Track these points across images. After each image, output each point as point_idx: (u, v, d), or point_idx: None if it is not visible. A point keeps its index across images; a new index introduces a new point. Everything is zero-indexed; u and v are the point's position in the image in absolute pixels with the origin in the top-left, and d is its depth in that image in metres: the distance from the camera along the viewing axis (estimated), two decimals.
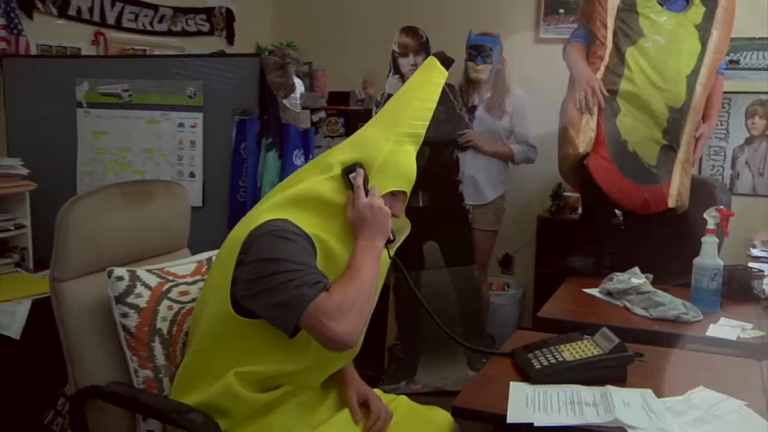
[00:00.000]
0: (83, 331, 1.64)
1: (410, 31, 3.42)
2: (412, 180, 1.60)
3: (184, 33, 4.21)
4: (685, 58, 2.87)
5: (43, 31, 3.35)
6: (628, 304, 2.24)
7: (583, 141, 2.90)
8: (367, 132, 1.59)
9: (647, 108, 2.86)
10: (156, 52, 3.92)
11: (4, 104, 3.14)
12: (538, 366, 1.68)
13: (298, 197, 1.49)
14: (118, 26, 3.76)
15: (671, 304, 2.15)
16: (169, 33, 4.10)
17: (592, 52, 2.99)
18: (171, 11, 4.08)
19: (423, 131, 1.60)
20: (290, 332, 1.40)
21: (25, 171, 2.88)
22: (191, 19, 4.26)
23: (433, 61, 1.65)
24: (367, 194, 1.50)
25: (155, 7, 3.97)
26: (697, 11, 2.91)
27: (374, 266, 1.48)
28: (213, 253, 1.82)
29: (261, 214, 1.48)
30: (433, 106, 1.63)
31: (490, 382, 1.69)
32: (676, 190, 2.89)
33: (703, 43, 2.88)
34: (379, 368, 3.41)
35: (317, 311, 1.36)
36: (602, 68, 2.95)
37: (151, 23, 3.97)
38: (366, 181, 1.51)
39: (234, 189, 2.71)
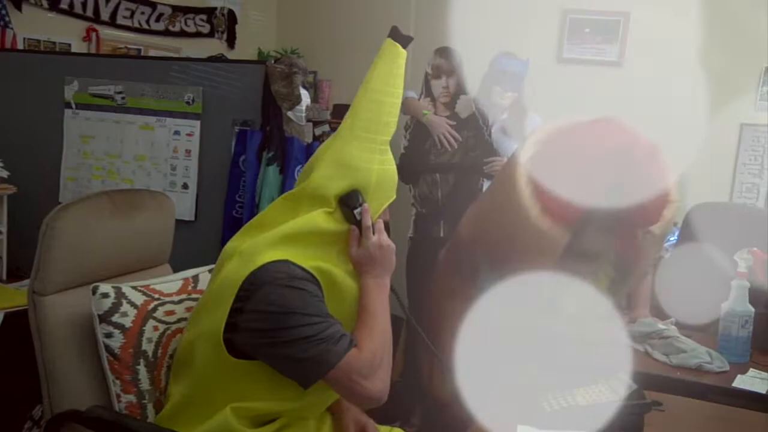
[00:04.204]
0: (63, 350, 1.62)
1: (443, 52, 3.43)
2: (396, 182, 1.61)
3: (182, 33, 4.27)
4: None
5: (32, 24, 3.41)
6: (649, 349, 2.25)
7: None
8: (350, 150, 1.54)
9: None
10: (151, 53, 3.98)
11: None
12: (549, 409, 1.70)
13: (295, 233, 1.49)
14: (112, 23, 3.83)
15: (693, 352, 2.15)
16: (167, 33, 4.16)
17: None
18: (170, 9, 4.15)
19: (395, 128, 1.59)
20: (308, 386, 1.43)
21: (5, 173, 2.92)
22: (191, 19, 4.32)
23: (393, 47, 1.58)
24: (373, 230, 1.52)
25: (153, 5, 4.04)
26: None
27: (388, 307, 1.52)
28: (200, 270, 1.84)
29: (255, 253, 1.46)
30: (401, 96, 1.62)
31: (497, 425, 1.70)
32: None
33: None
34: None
35: (350, 370, 1.39)
36: None
37: (147, 21, 4.03)
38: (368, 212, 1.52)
39: (230, 203, 2.75)
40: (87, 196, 1.76)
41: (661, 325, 2.27)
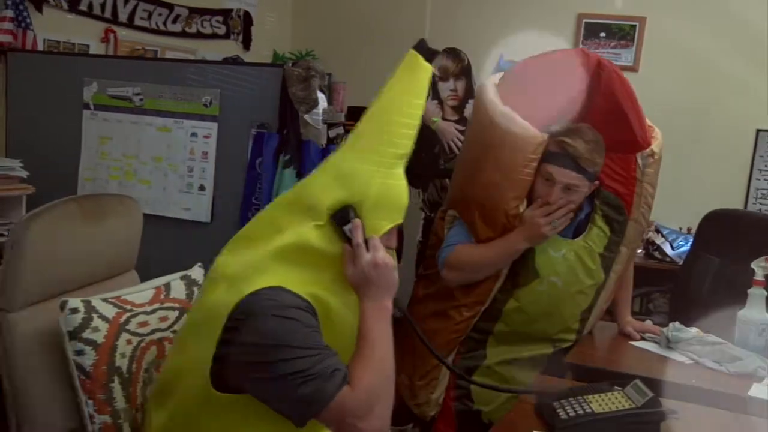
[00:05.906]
0: (32, 371, 1.53)
1: (451, 53, 3.38)
2: (406, 206, 1.50)
3: (198, 35, 4.29)
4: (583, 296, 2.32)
5: (52, 25, 3.43)
6: (695, 357, 2.21)
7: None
8: (350, 161, 1.44)
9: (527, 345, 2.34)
10: (167, 54, 4.01)
11: (6, 101, 3.21)
12: (564, 416, 1.70)
13: (286, 251, 1.38)
14: (130, 24, 3.86)
15: (749, 358, 2.10)
16: (183, 34, 4.19)
17: None
18: (186, 11, 4.18)
19: (411, 145, 1.48)
20: (302, 425, 1.32)
21: (24, 173, 2.94)
22: (207, 20, 4.35)
23: (415, 59, 1.50)
24: (368, 247, 1.40)
25: (170, 6, 4.07)
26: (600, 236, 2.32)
27: (388, 332, 1.41)
28: (171, 278, 1.78)
29: (244, 279, 1.35)
30: (421, 112, 1.50)
31: (512, 431, 1.71)
32: None
33: (606, 269, 2.32)
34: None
35: (343, 410, 1.28)
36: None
37: (164, 23, 4.06)
38: (363, 230, 1.41)
39: (246, 206, 2.76)
40: (54, 204, 1.64)
41: (693, 331, 2.24)
